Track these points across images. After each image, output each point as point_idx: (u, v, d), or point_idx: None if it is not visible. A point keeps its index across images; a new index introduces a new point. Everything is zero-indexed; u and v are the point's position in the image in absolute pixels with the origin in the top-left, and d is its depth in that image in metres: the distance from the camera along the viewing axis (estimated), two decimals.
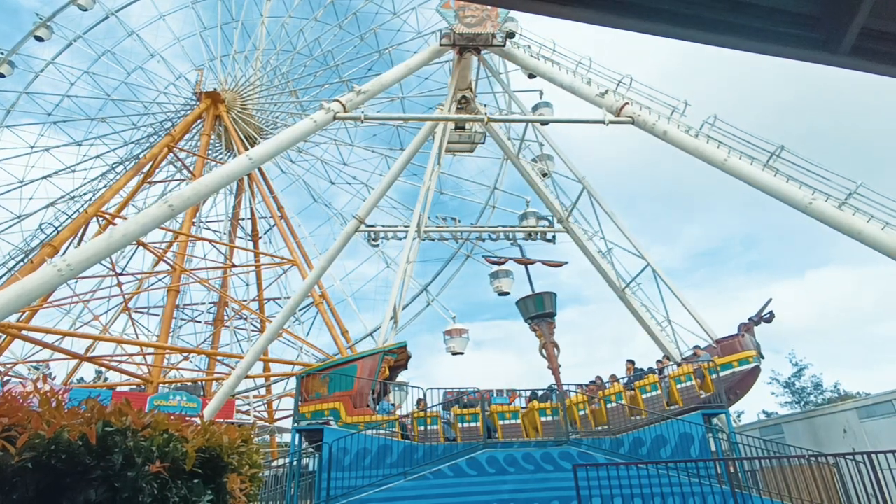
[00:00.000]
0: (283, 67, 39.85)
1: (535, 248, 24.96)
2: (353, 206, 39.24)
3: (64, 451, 2.55)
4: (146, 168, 34.91)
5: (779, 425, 19.71)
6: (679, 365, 14.84)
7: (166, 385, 29.19)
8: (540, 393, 14.70)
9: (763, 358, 13.84)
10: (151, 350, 31.28)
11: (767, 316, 14.12)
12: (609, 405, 13.66)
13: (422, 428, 12.80)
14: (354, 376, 13.38)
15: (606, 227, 23.65)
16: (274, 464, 13.69)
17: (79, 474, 2.60)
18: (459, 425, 13.03)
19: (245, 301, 39.93)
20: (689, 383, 13.74)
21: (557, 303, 16.34)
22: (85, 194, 33.20)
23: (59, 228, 30.34)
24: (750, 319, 14.54)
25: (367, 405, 13.10)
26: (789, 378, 41.34)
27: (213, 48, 40.69)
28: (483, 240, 26.11)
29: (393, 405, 13.47)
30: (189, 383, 30.74)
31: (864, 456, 9.33)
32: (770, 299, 14.36)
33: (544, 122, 25.49)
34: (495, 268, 23.29)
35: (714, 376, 13.47)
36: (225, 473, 3.76)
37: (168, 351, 31.99)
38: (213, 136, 39.15)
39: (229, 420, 23.18)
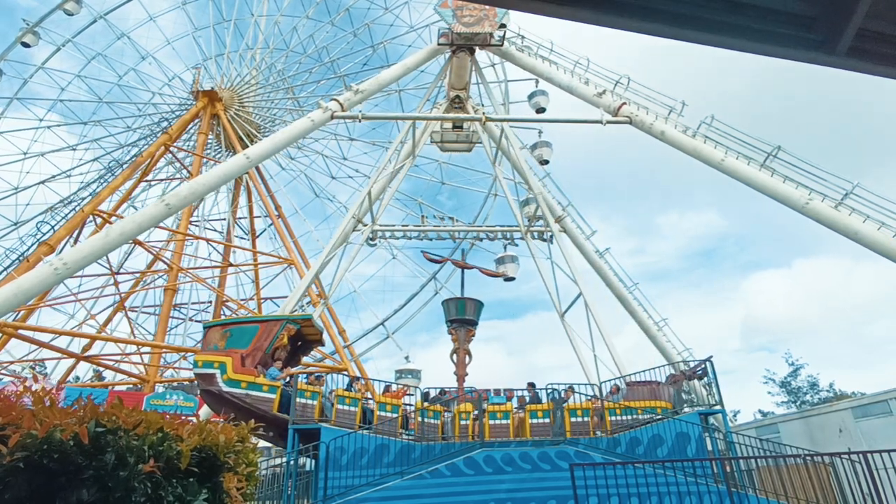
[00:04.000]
0: (278, 65, 39.81)
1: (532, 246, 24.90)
2: (357, 199, 39.21)
3: (56, 450, 2.53)
4: (143, 167, 34.79)
5: (775, 425, 19.79)
6: (593, 397, 14.57)
7: (163, 384, 29.12)
8: (431, 395, 14.58)
9: (677, 413, 13.30)
10: (148, 349, 31.20)
11: (700, 373, 13.92)
12: (493, 421, 13.32)
13: (301, 400, 12.57)
14: (253, 336, 13.37)
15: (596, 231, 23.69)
16: (270, 463, 13.63)
17: (71, 474, 2.59)
18: (338, 407, 12.86)
19: (243, 300, 39.87)
20: (584, 419, 13.36)
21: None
22: (83, 199, 33.00)
23: (55, 227, 30.20)
24: (682, 371, 14.33)
25: (255, 367, 13.05)
26: (785, 378, 41.47)
27: (206, 48, 40.65)
28: (481, 239, 26.10)
29: (281, 371, 13.30)
30: (186, 382, 30.66)
31: (860, 455, 9.36)
32: (710, 356, 14.02)
33: (541, 123, 25.48)
34: (501, 253, 23.40)
35: (614, 418, 13.24)
36: (221, 472, 3.75)
37: (165, 350, 31.92)
38: (210, 136, 39.05)
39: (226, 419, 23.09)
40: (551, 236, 24.61)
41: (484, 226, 25.62)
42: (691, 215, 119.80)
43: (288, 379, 13.14)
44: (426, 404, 13.50)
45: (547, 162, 25.16)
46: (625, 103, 20.17)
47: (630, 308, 23.68)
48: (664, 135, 18.87)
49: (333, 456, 11.69)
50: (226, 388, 12.58)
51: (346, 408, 12.82)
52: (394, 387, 14.64)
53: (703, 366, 13.91)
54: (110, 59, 40.14)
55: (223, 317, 39.45)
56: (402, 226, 25.01)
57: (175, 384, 29.35)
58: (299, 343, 14.70)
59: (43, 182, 37.98)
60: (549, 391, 14.17)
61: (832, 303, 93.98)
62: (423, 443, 12.39)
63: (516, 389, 15.10)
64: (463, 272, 18.87)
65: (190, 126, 38.10)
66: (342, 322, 37.18)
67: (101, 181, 34.39)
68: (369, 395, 13.83)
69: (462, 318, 17.05)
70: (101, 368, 35.52)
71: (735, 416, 42.38)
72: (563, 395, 14.03)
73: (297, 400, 12.48)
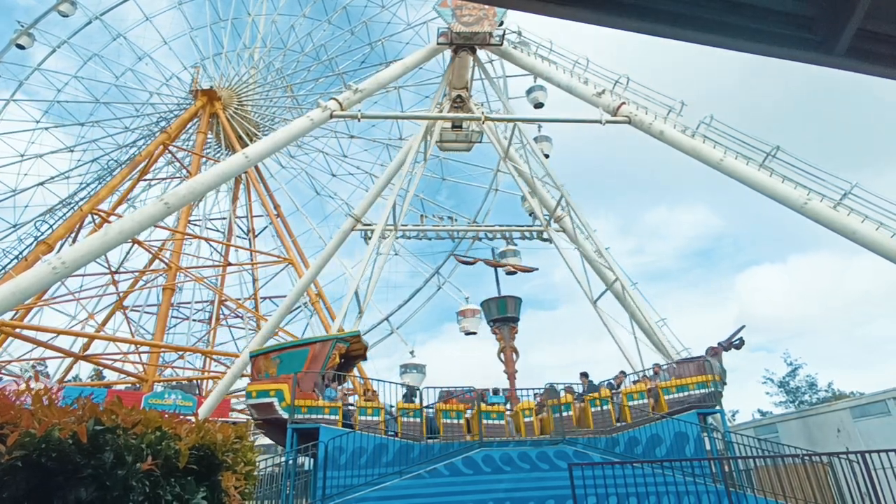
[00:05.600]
0: (276, 63, 39.79)
1: (531, 247, 24.95)
2: (358, 196, 39.16)
3: (54, 449, 2.53)
4: (142, 165, 34.74)
5: (773, 424, 19.79)
6: (636, 382, 14.75)
7: (162, 383, 29.08)
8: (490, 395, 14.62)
9: (725, 384, 13.60)
10: (147, 348, 31.17)
11: (737, 342, 13.94)
12: (556, 415, 13.48)
13: (363, 417, 12.68)
14: (305, 360, 13.35)
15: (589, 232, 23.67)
16: (269, 462, 13.63)
17: (69, 473, 2.59)
18: (403, 420, 12.95)
19: (241, 299, 39.83)
20: (642, 401, 13.61)
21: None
22: (82, 200, 32.88)
23: (53, 227, 30.15)
24: (719, 344, 14.39)
25: (313, 390, 13.05)
26: (784, 378, 41.54)
27: (204, 48, 40.61)
28: (479, 239, 26.07)
29: (337, 392, 13.34)
30: (185, 382, 30.65)
31: (858, 455, 9.38)
32: (743, 326, 14.20)
33: (540, 122, 25.47)
34: (502, 248, 23.46)
35: (668, 397, 13.42)
36: (219, 471, 3.75)
37: (163, 349, 31.90)
38: (209, 135, 38.99)
39: (225, 419, 23.14)
40: (550, 236, 24.68)
41: (507, 225, 25.49)
42: (690, 215, 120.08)
43: (342, 397, 13.26)
44: (486, 405, 13.50)
45: (547, 157, 25.12)
46: (624, 103, 20.16)
47: (629, 307, 23.66)
48: (663, 134, 18.87)
49: (332, 455, 11.69)
50: (285, 416, 12.52)
51: (409, 419, 12.89)
52: (501, 393, 14.59)
53: (739, 335, 13.98)
54: (107, 60, 40.06)
55: (222, 317, 39.46)
56: (424, 226, 24.89)
57: (174, 383, 29.33)
58: (342, 360, 14.72)
59: (41, 184, 37.84)
60: (540, 389, 14.25)
61: (831, 302, 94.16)
62: (423, 442, 12.42)
63: (516, 389, 15.15)
64: (496, 271, 18.79)
65: (189, 125, 38.05)
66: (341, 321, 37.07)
67: (100, 181, 34.30)
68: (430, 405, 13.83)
69: (504, 317, 16.97)
70: (101, 368, 35.49)
71: (733, 415, 42.36)
72: (614, 381, 14.41)
73: (360, 417, 12.59)
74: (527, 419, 13.59)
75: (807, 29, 2.26)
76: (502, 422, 13.19)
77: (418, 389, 14.36)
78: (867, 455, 9.23)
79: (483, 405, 13.46)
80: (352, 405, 13.12)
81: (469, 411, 13.66)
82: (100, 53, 39.52)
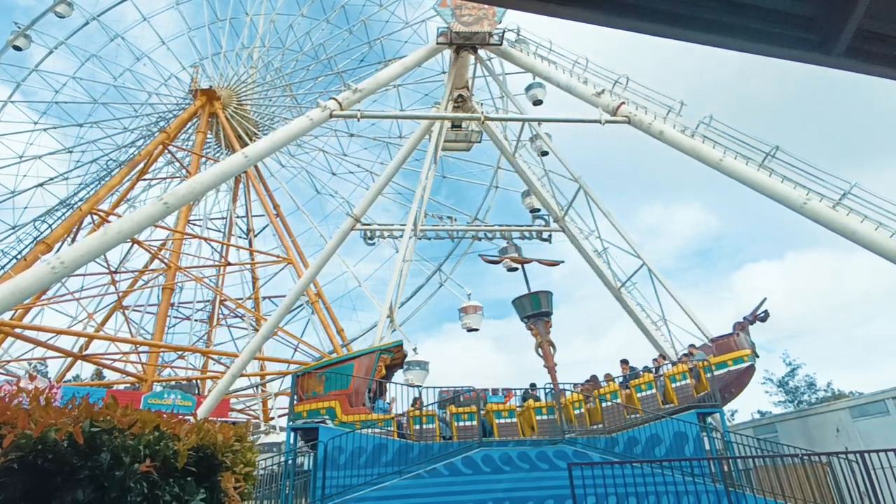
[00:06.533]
0: (275, 63, 39.78)
1: (531, 247, 24.95)
2: (358, 195, 39.12)
3: (50, 450, 2.52)
4: (141, 165, 34.70)
5: (772, 424, 19.79)
6: (675, 364, 14.89)
7: (161, 383, 29.06)
8: (532, 391, 14.76)
9: (758, 357, 13.91)
10: (146, 348, 31.15)
11: (762, 315, 14.14)
12: (604, 404, 13.66)
13: (418, 427, 12.79)
14: (351, 375, 13.39)
15: (602, 223, 23.72)
16: (268, 462, 13.64)
17: (67, 474, 2.57)
18: (456, 424, 13.02)
19: (241, 299, 39.79)
20: (684, 382, 13.78)
21: (560, 302, 16.56)
22: (81, 201, 32.77)
23: (52, 226, 30.11)
24: (745, 318, 14.57)
25: (364, 404, 13.08)
26: (783, 377, 41.58)
27: (202, 48, 40.58)
28: (479, 239, 26.03)
29: (389, 404, 13.44)
30: (184, 381, 30.63)
31: (857, 455, 9.39)
32: (765, 298, 14.43)
33: (540, 122, 25.43)
34: (503, 246, 23.51)
35: (709, 375, 13.53)
36: (219, 472, 3.74)
37: (163, 349, 31.87)
38: (209, 134, 38.95)
39: (224, 419, 23.12)
40: (550, 236, 24.69)
41: (520, 225, 25.45)
42: (688, 211, 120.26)
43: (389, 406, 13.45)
44: (536, 402, 13.69)
45: (546, 153, 25.09)
46: (623, 103, 20.12)
47: (628, 306, 23.67)
48: (663, 134, 18.84)
49: (331, 455, 11.68)
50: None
51: (465, 423, 12.97)
52: (501, 393, 14.72)
53: (763, 308, 14.12)
54: (105, 61, 39.99)
55: (221, 316, 39.43)
56: (439, 227, 24.85)
57: (173, 383, 29.31)
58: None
59: (41, 185, 37.79)
60: (583, 382, 14.45)
61: (830, 301, 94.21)
62: (422, 441, 12.43)
63: (515, 388, 15.17)
64: (523, 267, 18.92)
65: (188, 125, 38.01)
66: (340, 321, 37.07)
67: (99, 182, 34.24)
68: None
69: (538, 312, 16.93)
70: (101, 368, 35.45)
71: (733, 415, 42.36)
72: (653, 365, 14.76)
73: (415, 427, 12.72)
74: (576, 411, 13.88)
75: (806, 29, 2.25)
76: (554, 416, 13.28)
77: (463, 391, 14.45)
78: (866, 455, 9.24)
79: (533, 402, 13.58)
80: (403, 415, 13.24)
81: (519, 407, 13.81)
82: (98, 54, 39.48)
